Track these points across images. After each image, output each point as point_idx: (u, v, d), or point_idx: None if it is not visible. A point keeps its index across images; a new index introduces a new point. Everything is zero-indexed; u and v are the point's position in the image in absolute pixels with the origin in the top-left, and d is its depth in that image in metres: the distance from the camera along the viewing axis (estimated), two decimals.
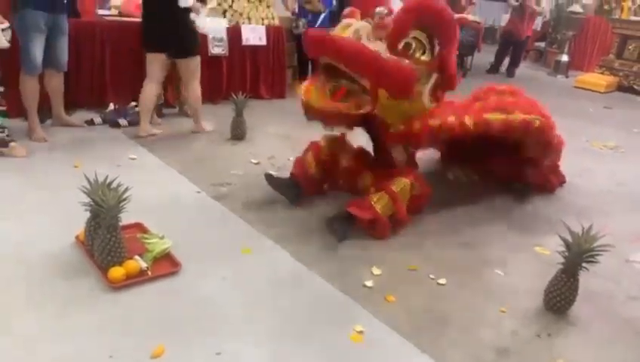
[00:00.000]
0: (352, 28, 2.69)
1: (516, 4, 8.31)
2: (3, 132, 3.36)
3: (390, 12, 2.71)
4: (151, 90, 4.01)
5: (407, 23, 2.69)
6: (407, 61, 2.64)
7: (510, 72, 8.60)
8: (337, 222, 2.76)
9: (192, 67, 4.13)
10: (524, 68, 9.14)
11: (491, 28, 11.70)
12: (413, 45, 2.72)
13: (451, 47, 2.82)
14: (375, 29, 2.67)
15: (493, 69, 8.79)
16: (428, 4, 2.75)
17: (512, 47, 8.56)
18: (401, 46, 2.68)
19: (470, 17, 8.13)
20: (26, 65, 3.49)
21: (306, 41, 2.84)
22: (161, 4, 3.80)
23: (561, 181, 3.79)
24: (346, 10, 2.89)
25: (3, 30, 3.22)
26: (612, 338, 2.18)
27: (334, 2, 6.11)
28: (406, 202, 2.86)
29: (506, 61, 8.72)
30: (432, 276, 2.48)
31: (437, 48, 2.78)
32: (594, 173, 4.17)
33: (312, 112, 2.73)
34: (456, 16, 8.48)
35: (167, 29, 3.86)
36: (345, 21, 2.80)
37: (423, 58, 2.75)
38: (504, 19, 9.85)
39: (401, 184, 2.83)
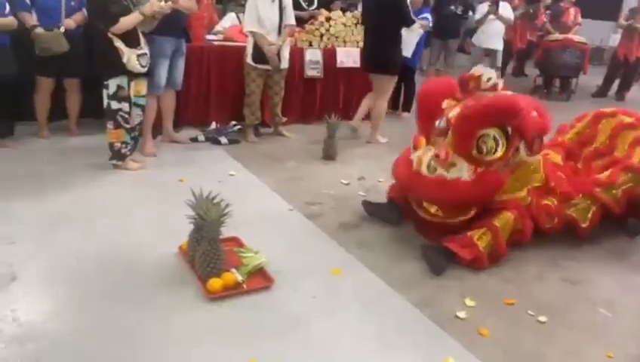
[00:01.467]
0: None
1: (625, 23, 7.75)
2: (126, 147, 3.68)
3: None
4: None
5: (478, 125, 2.65)
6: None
7: (620, 96, 7.99)
8: (434, 253, 2.68)
9: (385, 85, 4.76)
10: (636, 91, 8.45)
11: (599, 48, 10.97)
12: (487, 146, 2.65)
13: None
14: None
15: (601, 92, 8.22)
16: (506, 106, 2.66)
17: (623, 69, 7.96)
18: (474, 151, 2.64)
19: (576, 38, 7.71)
20: (151, 85, 3.80)
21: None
22: None
23: None
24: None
25: (139, 56, 3.50)
26: None
27: (430, 25, 6.08)
28: (507, 237, 2.73)
29: (616, 84, 8.12)
30: (530, 312, 2.34)
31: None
32: None
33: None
34: (562, 36, 8.14)
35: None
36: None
37: (499, 153, 2.67)
38: (613, 39, 9.21)
39: (504, 219, 2.71)
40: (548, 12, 8.07)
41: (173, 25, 3.81)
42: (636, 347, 2.16)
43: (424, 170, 2.72)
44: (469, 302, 2.37)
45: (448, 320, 2.24)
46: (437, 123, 2.82)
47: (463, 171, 2.64)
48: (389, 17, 4.45)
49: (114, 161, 3.65)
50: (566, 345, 2.14)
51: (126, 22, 3.36)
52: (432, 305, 2.33)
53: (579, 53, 7.61)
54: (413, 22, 5.00)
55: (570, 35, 7.64)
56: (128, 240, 2.72)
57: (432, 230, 2.91)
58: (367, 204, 3.19)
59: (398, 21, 4.50)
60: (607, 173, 3.07)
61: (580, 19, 8.06)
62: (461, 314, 2.27)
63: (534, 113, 2.77)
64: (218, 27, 5.34)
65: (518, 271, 2.70)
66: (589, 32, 8.57)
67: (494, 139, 2.64)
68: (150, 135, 4.06)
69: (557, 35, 7.72)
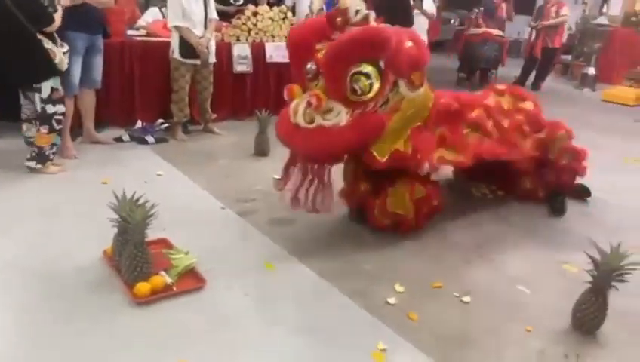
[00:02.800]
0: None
1: (534, 25, 8.31)
2: (52, 149, 3.49)
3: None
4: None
5: (345, 63, 2.43)
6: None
7: (536, 86, 8.51)
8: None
9: None
10: (550, 81, 9.03)
11: (516, 41, 11.60)
12: (360, 86, 2.44)
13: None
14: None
15: (519, 82, 8.71)
16: (372, 36, 2.42)
17: (539, 62, 8.49)
18: (348, 93, 2.45)
19: (494, 32, 8.11)
20: (65, 86, 3.60)
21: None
22: None
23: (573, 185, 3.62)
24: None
25: (64, 53, 3.34)
26: None
27: None
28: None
29: (533, 75, 8.65)
30: (456, 294, 2.45)
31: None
32: (624, 189, 4.06)
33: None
34: (481, 30, 8.53)
35: None
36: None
37: (373, 91, 2.48)
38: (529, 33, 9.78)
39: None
40: (481, 8, 8.42)
41: (85, 20, 3.64)
42: (552, 320, 2.31)
43: (300, 120, 2.49)
44: (398, 288, 2.44)
45: (379, 307, 2.30)
46: (308, 67, 2.56)
47: (342, 115, 2.44)
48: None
49: (32, 164, 3.44)
50: (488, 322, 2.26)
51: (57, 20, 3.22)
52: (363, 294, 2.39)
53: (497, 46, 8.01)
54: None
55: (488, 30, 8.03)
56: (49, 247, 2.58)
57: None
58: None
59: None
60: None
61: (512, 14, 8.52)
62: (391, 301, 2.34)
63: (409, 43, 2.45)
64: (140, 22, 5.15)
65: (445, 256, 2.81)
66: (507, 26, 9.04)
67: (367, 76, 2.42)
68: (69, 137, 3.86)
69: (476, 30, 8.09)
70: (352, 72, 2.42)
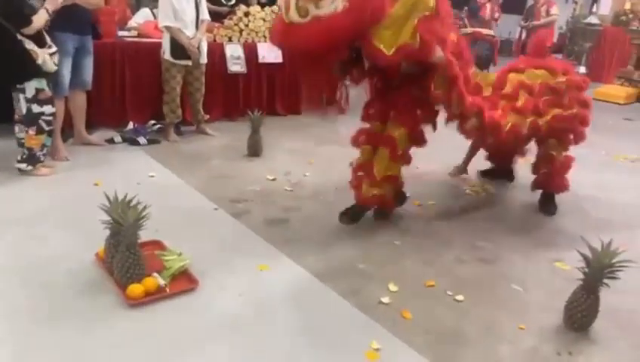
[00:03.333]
0: None
1: (524, 24, 8.36)
2: (42, 150, 3.47)
3: None
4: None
5: None
6: None
7: None
8: (353, 214, 2.95)
9: None
10: None
11: (507, 41, 11.67)
12: None
13: None
14: None
15: None
16: None
17: None
18: None
19: (484, 31, 8.15)
20: (55, 87, 3.58)
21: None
22: None
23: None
24: None
25: (51, 55, 3.32)
26: (636, 357, 2.13)
27: None
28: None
29: None
30: (449, 292, 2.46)
31: None
32: (615, 187, 4.10)
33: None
34: (470, 30, 8.55)
35: None
36: None
37: None
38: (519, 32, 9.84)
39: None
40: (466, 8, 8.46)
41: (74, 20, 3.61)
42: (545, 318, 2.32)
43: (294, 16, 2.30)
44: (392, 288, 2.45)
45: (373, 306, 2.30)
46: None
47: (337, 1, 2.26)
48: None
49: (23, 166, 3.42)
50: (482, 320, 2.27)
51: (37, 22, 3.19)
52: (357, 294, 2.39)
53: (488, 45, 8.04)
54: None
55: (479, 29, 8.06)
56: (40, 250, 2.56)
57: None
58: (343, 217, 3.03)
59: None
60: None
61: (497, 14, 8.54)
62: (385, 300, 2.34)
63: None
64: (132, 23, 5.12)
65: (438, 255, 2.82)
66: (500, 26, 9.09)
67: None
68: (60, 139, 3.83)
69: (466, 30, 8.12)
70: None
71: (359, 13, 2.30)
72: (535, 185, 3.56)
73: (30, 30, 3.16)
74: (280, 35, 2.45)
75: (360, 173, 3.02)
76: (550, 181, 3.49)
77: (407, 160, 2.98)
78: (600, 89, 8.21)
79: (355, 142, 3.09)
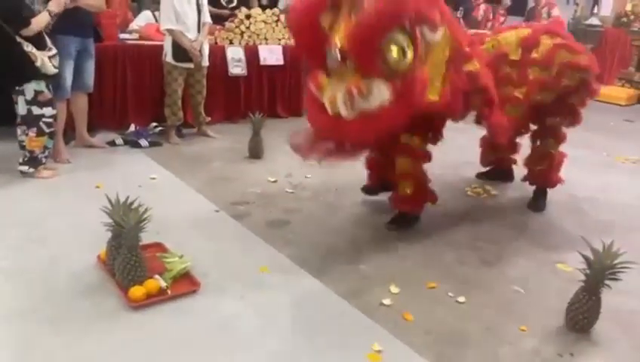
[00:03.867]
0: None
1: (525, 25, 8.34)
2: (44, 152, 3.47)
3: None
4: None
5: (375, 40, 2.24)
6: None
7: None
8: (399, 224, 3.05)
9: None
10: None
11: None
12: (392, 56, 2.27)
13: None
14: None
15: None
16: (393, 4, 2.22)
17: None
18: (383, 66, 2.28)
19: (487, 32, 8.14)
20: (56, 89, 3.59)
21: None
22: None
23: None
24: None
25: (51, 57, 3.33)
26: (638, 358, 2.12)
27: None
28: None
29: None
30: (450, 294, 2.45)
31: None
32: (616, 188, 4.10)
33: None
34: (472, 31, 8.55)
35: None
36: None
37: (409, 57, 2.31)
38: None
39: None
40: (461, 9, 8.45)
41: (77, 23, 3.63)
42: (546, 319, 2.32)
43: (343, 111, 2.32)
44: (393, 289, 2.45)
45: (374, 308, 2.30)
46: (328, 53, 2.37)
47: (383, 93, 2.30)
48: None
49: (24, 168, 3.43)
50: (483, 322, 2.27)
51: (37, 24, 3.20)
52: (358, 295, 2.39)
53: None
54: None
55: (478, 30, 8.07)
56: (42, 252, 2.57)
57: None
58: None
59: None
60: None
61: (491, 16, 8.52)
62: (386, 302, 2.34)
63: None
64: (133, 25, 5.14)
65: (439, 256, 2.82)
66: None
67: (396, 42, 2.26)
68: (62, 141, 3.84)
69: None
70: (383, 44, 2.25)
71: (408, 99, 2.34)
72: (530, 181, 3.59)
73: (28, 32, 3.17)
74: (328, 128, 2.42)
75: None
76: (547, 178, 3.51)
77: (427, 158, 3.03)
78: (601, 90, 8.19)
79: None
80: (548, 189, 3.60)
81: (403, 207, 3.05)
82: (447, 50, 2.54)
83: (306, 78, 2.55)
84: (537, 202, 3.59)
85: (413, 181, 2.97)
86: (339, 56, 2.33)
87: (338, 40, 2.32)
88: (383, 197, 3.44)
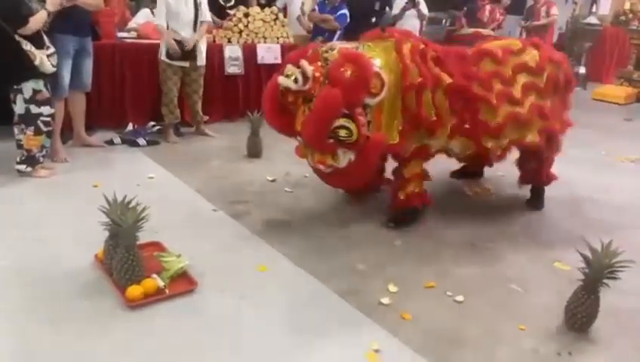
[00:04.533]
0: None
1: (525, 24, 8.34)
2: (42, 151, 3.46)
3: None
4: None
5: (322, 135, 2.61)
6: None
7: None
8: (404, 218, 3.15)
9: None
10: None
11: None
12: (342, 136, 2.62)
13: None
14: None
15: None
16: (327, 108, 2.58)
17: None
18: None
19: (484, 32, 8.14)
20: (54, 88, 3.58)
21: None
22: None
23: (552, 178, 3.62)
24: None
25: (49, 56, 3.32)
26: (637, 357, 2.12)
27: (349, 20, 6.18)
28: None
29: None
30: (449, 293, 2.45)
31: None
32: (615, 187, 4.09)
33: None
34: (472, 30, 8.52)
35: None
36: None
37: (354, 135, 2.63)
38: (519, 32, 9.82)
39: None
40: (465, 9, 8.45)
41: (75, 22, 3.63)
42: (545, 318, 2.32)
43: (319, 166, 2.75)
44: (392, 289, 2.44)
45: (373, 307, 2.30)
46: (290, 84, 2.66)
47: (348, 155, 2.68)
48: None
49: (22, 167, 3.42)
50: (482, 321, 2.27)
51: (35, 22, 3.19)
52: (357, 294, 2.38)
53: None
54: None
55: (478, 29, 8.06)
56: (39, 252, 2.56)
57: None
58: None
59: None
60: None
61: (498, 16, 8.51)
62: (385, 301, 2.34)
63: (347, 72, 2.58)
64: (132, 24, 5.13)
65: (438, 256, 2.82)
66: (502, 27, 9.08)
67: (343, 127, 2.61)
68: (59, 140, 3.83)
69: (467, 30, 8.11)
70: (330, 133, 2.61)
71: (370, 156, 2.74)
72: (523, 181, 3.59)
73: (26, 31, 3.16)
74: (320, 175, 2.97)
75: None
76: (538, 176, 3.51)
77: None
78: (600, 89, 8.21)
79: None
80: (544, 187, 3.60)
81: (414, 203, 3.14)
82: (398, 96, 2.83)
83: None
84: (535, 200, 3.60)
85: (421, 179, 3.16)
86: (300, 139, 2.78)
87: (297, 125, 2.72)
88: (384, 196, 3.44)
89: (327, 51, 2.73)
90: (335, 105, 2.57)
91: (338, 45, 2.85)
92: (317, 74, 2.65)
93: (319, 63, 2.69)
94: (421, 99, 2.85)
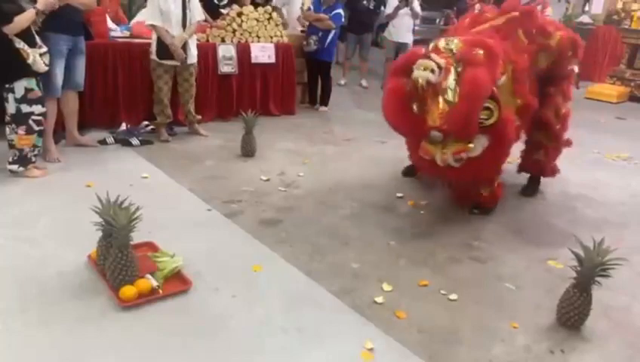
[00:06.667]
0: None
1: None
2: (33, 151, 3.44)
3: None
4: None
5: (472, 123, 2.71)
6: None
7: None
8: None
9: None
10: None
11: None
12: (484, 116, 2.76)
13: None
14: None
15: None
16: (475, 95, 2.66)
17: None
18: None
19: None
20: (47, 87, 3.56)
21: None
22: None
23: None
24: None
25: (42, 55, 3.29)
26: (628, 354, 2.14)
27: (343, 19, 6.18)
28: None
29: None
30: (443, 291, 2.46)
31: None
32: (607, 185, 4.12)
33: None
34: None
35: None
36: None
37: (495, 116, 2.78)
38: None
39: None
40: (455, 8, 8.48)
41: (67, 21, 3.60)
42: (538, 316, 2.33)
43: (452, 163, 2.80)
44: (386, 287, 2.45)
45: (367, 306, 2.30)
46: (432, 136, 2.74)
47: (483, 142, 2.81)
48: None
49: (14, 167, 3.39)
50: (475, 319, 2.28)
51: (21, 20, 3.15)
52: (351, 293, 2.39)
53: None
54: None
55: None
56: (33, 252, 2.54)
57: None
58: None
59: None
60: None
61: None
62: (379, 300, 2.34)
63: (479, 53, 2.72)
64: (133, 23, 5.10)
65: (432, 254, 2.83)
66: None
67: (487, 110, 2.74)
68: (52, 140, 3.80)
69: None
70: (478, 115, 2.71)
71: (504, 142, 2.95)
72: (526, 169, 3.77)
73: (10, 30, 3.11)
74: (441, 173, 3.06)
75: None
76: (543, 167, 3.69)
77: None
78: (592, 88, 8.25)
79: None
80: (543, 179, 3.80)
81: (499, 196, 3.37)
82: (511, 80, 2.98)
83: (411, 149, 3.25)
84: (531, 188, 3.77)
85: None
86: (439, 134, 2.71)
87: (431, 121, 2.70)
88: (378, 197, 3.46)
89: (447, 44, 2.78)
90: (486, 82, 2.63)
91: (454, 38, 2.89)
92: (447, 65, 2.69)
93: (444, 54, 2.73)
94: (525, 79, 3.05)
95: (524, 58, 3.10)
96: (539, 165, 3.69)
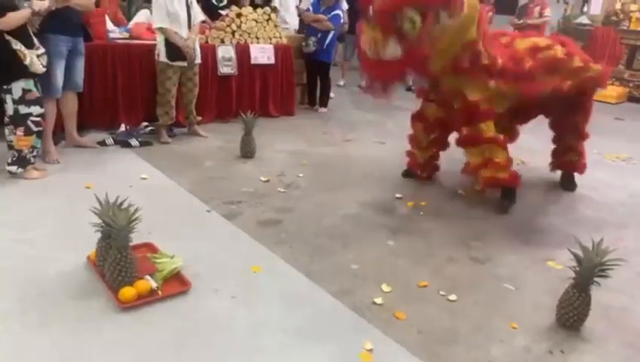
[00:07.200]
0: None
1: (518, 22, 8.36)
2: (32, 152, 3.44)
3: None
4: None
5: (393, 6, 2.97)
6: None
7: None
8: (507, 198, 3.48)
9: None
10: None
11: None
12: (407, 28, 2.98)
13: None
14: None
15: None
16: None
17: None
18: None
19: None
20: (47, 88, 3.56)
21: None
22: None
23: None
24: None
25: (39, 56, 3.29)
26: (628, 355, 2.14)
27: (342, 20, 6.19)
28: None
29: None
30: (442, 292, 2.46)
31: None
32: (606, 186, 4.13)
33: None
34: None
35: None
36: None
37: (416, 30, 2.97)
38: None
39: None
40: None
41: (67, 22, 3.61)
42: (537, 317, 2.33)
43: (368, 53, 3.10)
44: (385, 288, 2.45)
45: (366, 307, 2.30)
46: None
47: (395, 49, 3.02)
48: None
49: (13, 168, 3.39)
50: (474, 320, 2.28)
51: (14, 17, 3.13)
52: (350, 294, 2.39)
53: None
54: None
55: None
56: (32, 253, 2.54)
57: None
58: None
59: None
60: None
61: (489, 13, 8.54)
62: (378, 300, 2.34)
63: None
64: (132, 24, 5.10)
65: (431, 255, 2.83)
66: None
67: (410, 21, 2.95)
68: (51, 141, 3.80)
69: None
70: (399, 15, 2.96)
71: (412, 61, 3.13)
72: (557, 167, 4.10)
73: (3, 25, 3.08)
74: (364, 65, 3.35)
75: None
76: (578, 165, 3.99)
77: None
78: None
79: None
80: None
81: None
82: (466, 39, 3.08)
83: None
84: (570, 184, 4.02)
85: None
86: (372, 14, 3.08)
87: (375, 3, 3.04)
88: (378, 197, 3.46)
89: None
90: None
91: None
92: None
93: None
94: None
95: (505, 52, 3.33)
96: (572, 164, 3.99)
